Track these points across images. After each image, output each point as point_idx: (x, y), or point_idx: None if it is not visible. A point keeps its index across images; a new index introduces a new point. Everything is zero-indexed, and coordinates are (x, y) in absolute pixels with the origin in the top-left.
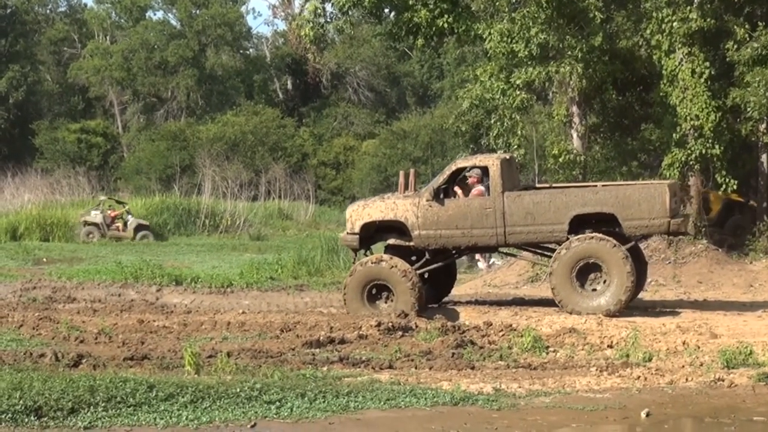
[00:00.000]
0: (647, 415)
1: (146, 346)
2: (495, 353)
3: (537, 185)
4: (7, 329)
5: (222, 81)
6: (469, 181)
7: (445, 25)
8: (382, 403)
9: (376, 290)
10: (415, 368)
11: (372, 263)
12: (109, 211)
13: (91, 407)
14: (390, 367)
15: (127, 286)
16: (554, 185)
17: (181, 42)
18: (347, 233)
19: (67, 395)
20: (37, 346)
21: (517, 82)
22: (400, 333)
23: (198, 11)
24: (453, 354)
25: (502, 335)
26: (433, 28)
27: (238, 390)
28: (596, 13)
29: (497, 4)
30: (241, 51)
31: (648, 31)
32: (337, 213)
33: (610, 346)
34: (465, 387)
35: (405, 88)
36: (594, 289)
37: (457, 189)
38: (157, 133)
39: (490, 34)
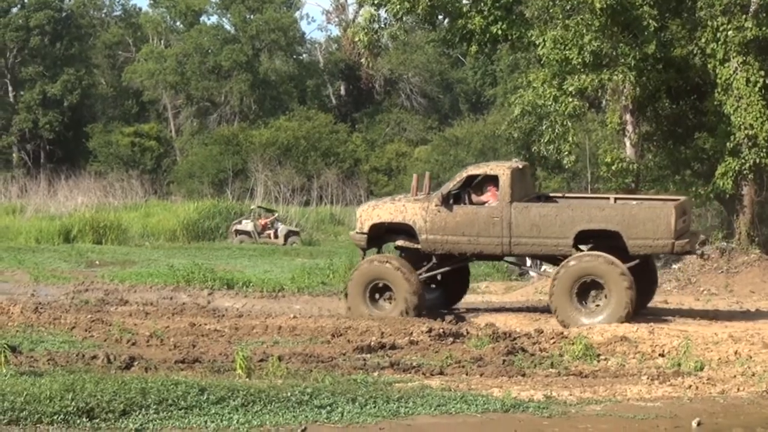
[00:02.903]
0: (698, 424)
1: (198, 349)
2: (546, 361)
3: (551, 195)
4: (60, 331)
5: (275, 86)
6: (489, 192)
7: (499, 32)
8: (432, 409)
9: (378, 290)
10: (466, 374)
11: (377, 263)
12: (259, 220)
13: (143, 409)
14: (441, 373)
15: (179, 289)
16: (567, 195)
17: (234, 47)
18: (356, 232)
19: (119, 397)
20: (90, 348)
21: (570, 89)
22: (451, 339)
23: (252, 16)
24: (504, 361)
25: (553, 343)
26: (487, 35)
27: (288, 394)
28: (650, 21)
29: (551, 11)
30: (295, 56)
31: (703, 40)
32: None
33: (662, 355)
34: (516, 394)
35: (458, 95)
36: (597, 305)
37: (474, 196)
38: (210, 137)
39: (543, 41)
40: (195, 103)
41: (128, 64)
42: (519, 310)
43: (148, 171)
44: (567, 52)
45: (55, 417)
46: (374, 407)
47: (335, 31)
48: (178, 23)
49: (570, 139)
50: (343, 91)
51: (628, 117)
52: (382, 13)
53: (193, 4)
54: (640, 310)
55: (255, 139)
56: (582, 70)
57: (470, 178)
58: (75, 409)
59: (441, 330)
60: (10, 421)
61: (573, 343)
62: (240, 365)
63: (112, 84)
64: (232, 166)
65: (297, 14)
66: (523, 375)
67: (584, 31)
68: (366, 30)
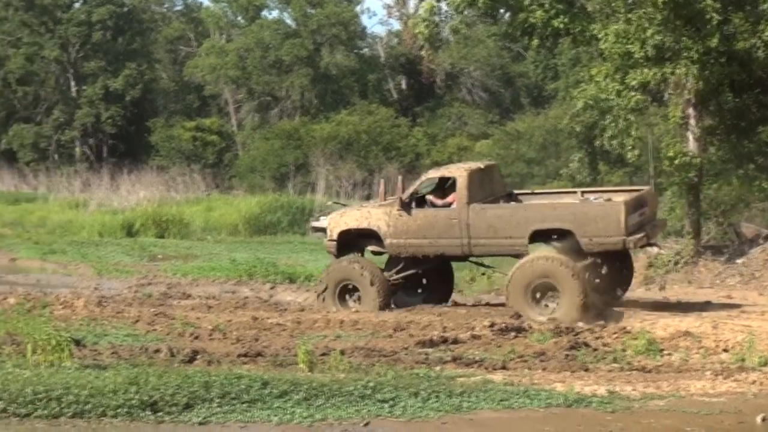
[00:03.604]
0: (763, 419)
1: (260, 343)
2: (609, 355)
3: (521, 192)
4: (123, 324)
5: (336, 80)
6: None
7: (561, 26)
8: (495, 403)
9: (347, 290)
10: (529, 369)
11: (345, 264)
12: None
13: (206, 403)
14: (503, 367)
15: (241, 283)
16: (536, 191)
17: (295, 41)
18: (327, 240)
19: (182, 391)
20: (153, 342)
21: (633, 83)
22: (514, 334)
23: (313, 11)
24: (566, 356)
25: (616, 337)
26: (549, 29)
27: (351, 388)
28: (713, 14)
29: (613, 4)
30: (356, 50)
31: (766, 33)
32: None
33: (726, 350)
34: (578, 389)
35: (519, 89)
36: (546, 306)
37: (432, 198)
38: (271, 131)
39: (605, 34)
40: (256, 98)
41: (190, 58)
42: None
43: (210, 165)
44: (629, 46)
45: (119, 410)
46: (437, 401)
47: (396, 25)
48: (239, 18)
49: (633, 133)
50: (404, 86)
51: (690, 111)
52: (443, 5)
53: None
54: (616, 301)
55: (316, 133)
56: (644, 64)
57: (441, 181)
58: (139, 403)
59: (503, 324)
60: (75, 414)
61: (636, 338)
62: (302, 359)
63: (173, 79)
64: (294, 161)
65: (358, 8)
66: (586, 370)
67: (647, 24)
68: (427, 23)
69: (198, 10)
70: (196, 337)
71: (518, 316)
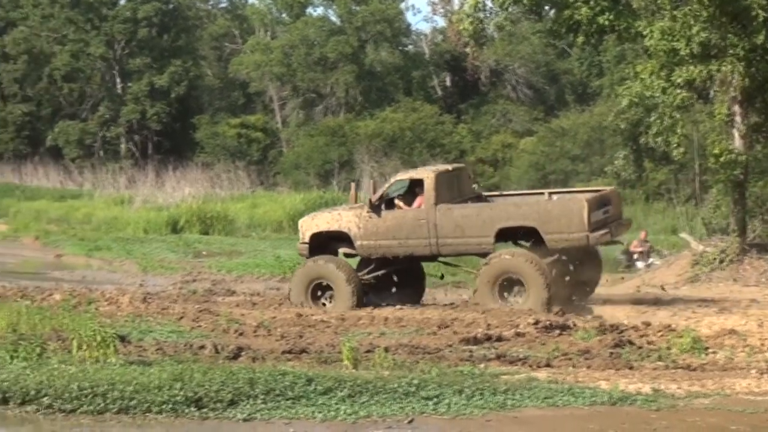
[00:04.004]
0: None
1: (304, 339)
2: (653, 353)
3: (490, 194)
4: (168, 321)
5: (381, 77)
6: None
7: (606, 23)
8: (539, 401)
9: (321, 288)
10: (573, 367)
11: (320, 263)
12: None
13: (251, 399)
14: (548, 365)
15: (285, 279)
16: (504, 193)
17: (340, 38)
18: (300, 243)
19: (227, 387)
20: (198, 338)
21: (678, 80)
22: (558, 331)
23: (358, 7)
24: (611, 353)
25: (661, 335)
26: (594, 26)
27: (395, 385)
28: (759, 11)
29: (659, 1)
30: (400, 47)
31: None
32: None
33: None
34: (623, 387)
35: (564, 86)
36: (517, 301)
37: (398, 202)
38: (316, 128)
39: (651, 31)
40: (301, 95)
41: (235, 55)
42: (626, 302)
43: (255, 162)
44: (675, 43)
45: (164, 406)
46: (481, 399)
47: (441, 22)
48: (283, 15)
49: (678, 130)
50: (448, 82)
51: (736, 108)
52: (488, 2)
53: None
54: (585, 298)
55: (361, 130)
56: (690, 61)
57: (412, 184)
58: (183, 399)
59: (548, 322)
60: (120, 409)
61: (681, 336)
62: (347, 356)
63: (218, 75)
64: (338, 157)
65: (402, 5)
66: (631, 368)
67: (692, 21)
68: (471, 19)
69: (243, 7)
70: (241, 334)
71: (563, 313)
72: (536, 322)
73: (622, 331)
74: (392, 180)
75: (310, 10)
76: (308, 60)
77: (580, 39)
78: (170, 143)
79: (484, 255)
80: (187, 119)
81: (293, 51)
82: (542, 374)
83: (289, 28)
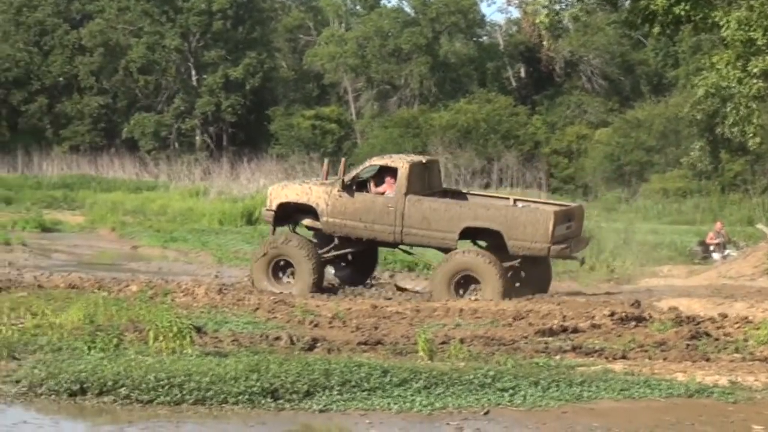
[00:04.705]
0: None
1: (380, 331)
2: (730, 345)
3: (465, 191)
4: (244, 312)
5: (455, 68)
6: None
7: (682, 13)
8: (615, 393)
9: (281, 266)
10: (649, 359)
11: (281, 240)
12: None
13: (326, 391)
14: (623, 357)
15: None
16: (471, 192)
17: (414, 29)
18: (266, 209)
19: (302, 378)
20: (273, 329)
21: (754, 70)
22: (634, 323)
23: None
24: (687, 345)
25: (738, 327)
26: (670, 16)
27: (471, 377)
28: None
29: None
30: (475, 38)
31: None
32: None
33: None
34: (700, 379)
35: (639, 77)
36: (473, 298)
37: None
38: (390, 120)
39: (727, 21)
40: (375, 86)
41: (309, 47)
42: (702, 294)
43: (329, 153)
44: (752, 33)
45: (240, 397)
46: (557, 391)
47: (515, 13)
48: (357, 7)
49: (754, 120)
50: (523, 73)
51: None
52: None
53: None
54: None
55: (435, 121)
56: (767, 51)
57: (381, 169)
58: (260, 390)
59: (623, 314)
60: (197, 400)
61: (758, 328)
62: (422, 347)
63: (293, 67)
64: (412, 149)
65: None
66: (707, 360)
67: None
68: (547, 11)
69: None
70: (316, 325)
71: (638, 305)
72: (612, 314)
73: (698, 323)
74: (366, 163)
75: (384, 1)
76: (382, 51)
77: (656, 29)
78: (245, 135)
79: (443, 250)
80: (261, 111)
81: (367, 42)
82: (618, 366)
83: (363, 19)
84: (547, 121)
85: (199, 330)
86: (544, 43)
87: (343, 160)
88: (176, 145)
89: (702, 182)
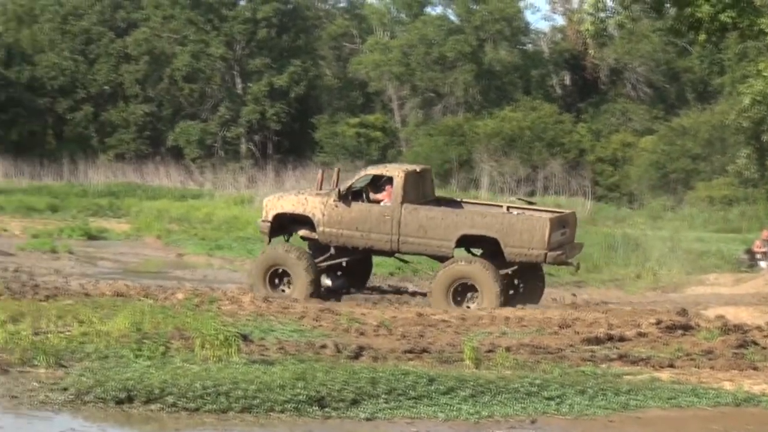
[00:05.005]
0: None
1: (425, 339)
2: None
3: (459, 199)
4: (289, 320)
5: (500, 76)
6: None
7: (728, 20)
8: (662, 402)
9: (279, 275)
10: (696, 368)
11: (279, 250)
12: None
13: (373, 399)
14: (670, 365)
15: (405, 279)
16: (465, 201)
17: (459, 37)
18: (261, 220)
19: (349, 386)
20: (319, 338)
21: None
22: (680, 331)
23: (476, 6)
24: (735, 354)
25: None
26: (716, 23)
27: (517, 385)
28: None
29: None
30: (519, 46)
31: None
32: (614, 210)
33: None
34: (747, 388)
35: (684, 84)
36: (468, 307)
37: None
38: (435, 127)
39: None
40: (420, 94)
41: (354, 55)
42: (749, 302)
43: (374, 161)
44: None
45: (287, 405)
46: (603, 399)
47: (560, 21)
48: (402, 14)
49: None
50: (567, 81)
51: None
52: (608, 1)
53: None
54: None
55: (480, 129)
56: None
57: (375, 178)
58: (306, 398)
59: (670, 322)
60: (243, 408)
61: None
62: (468, 356)
63: (337, 75)
64: (457, 157)
65: (521, 4)
66: (755, 368)
67: None
68: (592, 19)
69: (361, 6)
70: (362, 333)
71: (684, 313)
72: (658, 322)
73: (745, 332)
74: (362, 173)
75: (428, 9)
76: (427, 59)
77: (702, 37)
78: (290, 143)
79: (440, 258)
80: (306, 119)
81: (412, 50)
82: (665, 375)
83: (407, 27)
84: (592, 129)
85: (245, 338)
86: (590, 51)
87: (337, 169)
88: (221, 153)
89: (748, 190)
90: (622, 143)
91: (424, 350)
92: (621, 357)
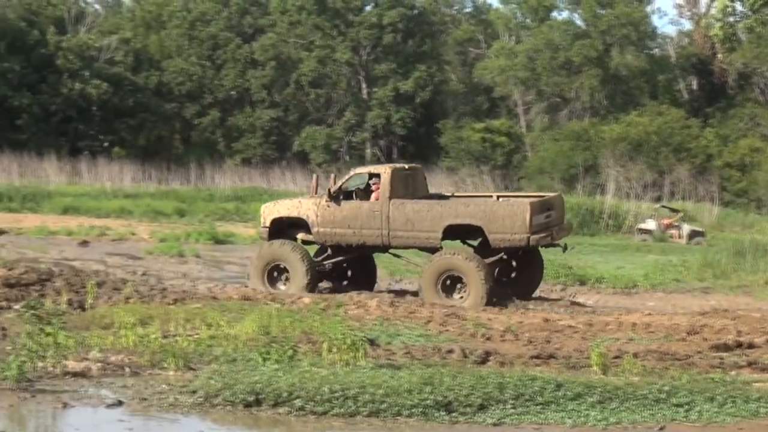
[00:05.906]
0: None
1: (552, 345)
2: None
3: (450, 195)
4: (416, 325)
5: (626, 81)
6: (373, 187)
7: None
8: None
9: (277, 271)
10: None
11: (276, 246)
12: (663, 219)
13: (500, 404)
14: None
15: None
16: (456, 195)
17: (585, 42)
18: (261, 227)
19: (476, 392)
20: (445, 342)
21: None
22: None
23: (603, 11)
24: None
25: None
26: None
27: (645, 392)
28: None
29: None
30: (646, 51)
31: None
32: (741, 216)
33: None
34: None
35: None
36: (460, 298)
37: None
38: (560, 132)
39: None
40: (545, 99)
41: (479, 60)
42: None
43: (499, 167)
44: None
45: (414, 410)
46: (733, 407)
47: (687, 25)
48: (528, 20)
49: None
50: (695, 86)
51: None
52: (738, 5)
53: (544, 0)
54: (527, 296)
55: (606, 134)
56: None
57: (357, 177)
58: (433, 403)
59: None
60: (371, 413)
61: None
62: (596, 362)
63: (462, 80)
64: (583, 162)
65: (648, 8)
66: None
67: None
68: (721, 23)
69: (487, 12)
70: (488, 338)
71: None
72: None
73: None
74: (351, 173)
75: (554, 14)
76: (553, 64)
77: None
78: (415, 148)
79: (430, 251)
80: (431, 124)
81: (538, 55)
82: None
83: (533, 32)
84: (720, 134)
85: (372, 342)
86: (718, 55)
87: (333, 174)
88: (347, 158)
89: None
90: (750, 148)
91: (551, 356)
92: (750, 364)
